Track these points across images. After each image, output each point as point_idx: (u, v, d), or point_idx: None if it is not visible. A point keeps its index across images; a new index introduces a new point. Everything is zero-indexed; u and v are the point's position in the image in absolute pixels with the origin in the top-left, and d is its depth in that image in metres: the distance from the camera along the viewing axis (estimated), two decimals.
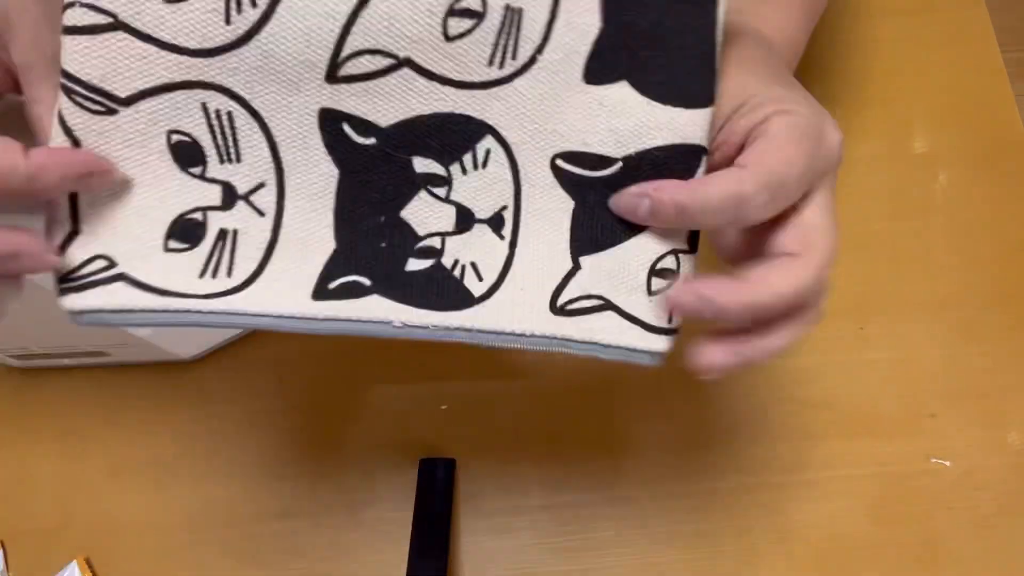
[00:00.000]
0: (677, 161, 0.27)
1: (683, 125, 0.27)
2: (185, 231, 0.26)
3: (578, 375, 0.51)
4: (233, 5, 0.25)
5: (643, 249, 0.27)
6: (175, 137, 0.26)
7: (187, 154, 0.26)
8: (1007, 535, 0.47)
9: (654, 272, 0.28)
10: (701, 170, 0.27)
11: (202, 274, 0.26)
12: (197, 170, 0.26)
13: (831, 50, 0.57)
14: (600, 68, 0.27)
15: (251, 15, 0.25)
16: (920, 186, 0.54)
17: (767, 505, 0.48)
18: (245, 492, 0.49)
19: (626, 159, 0.27)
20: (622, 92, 0.27)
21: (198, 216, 0.26)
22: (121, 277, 0.26)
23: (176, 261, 0.26)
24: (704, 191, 0.25)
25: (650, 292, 0.28)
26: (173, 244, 0.26)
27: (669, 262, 0.28)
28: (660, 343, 0.28)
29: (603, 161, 0.27)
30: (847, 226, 0.54)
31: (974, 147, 0.54)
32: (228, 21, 0.25)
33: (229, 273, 0.27)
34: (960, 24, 0.57)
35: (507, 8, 0.26)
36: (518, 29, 0.26)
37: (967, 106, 0.55)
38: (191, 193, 0.26)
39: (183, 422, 0.51)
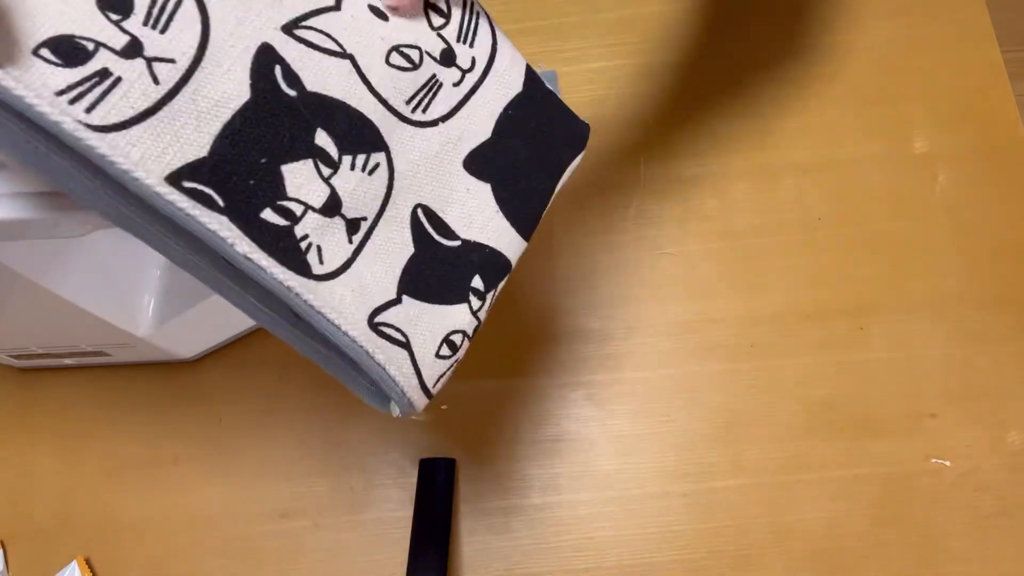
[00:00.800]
0: (491, 266, 0.33)
1: (508, 242, 0.34)
2: (66, 49, 0.23)
3: (578, 374, 0.51)
4: None
5: (449, 318, 0.32)
6: None
7: (112, 2, 0.24)
8: (1007, 535, 0.47)
9: (447, 340, 0.32)
10: (502, 284, 0.34)
11: (62, 92, 0.23)
12: (115, 16, 0.24)
13: (831, 50, 0.57)
14: (476, 165, 0.33)
15: None
16: (920, 186, 0.54)
17: (767, 505, 0.48)
18: (245, 492, 0.49)
19: (464, 241, 0.33)
20: (484, 191, 0.33)
21: (89, 45, 0.24)
22: None
23: (40, 67, 0.23)
24: None
25: (437, 354, 0.32)
26: (45, 53, 0.23)
27: (459, 339, 0.33)
28: (420, 401, 0.31)
29: (450, 233, 0.32)
30: (847, 226, 0.55)
31: (974, 147, 0.54)
32: None
33: (90, 109, 0.24)
34: (960, 24, 0.57)
35: (433, 76, 0.31)
36: (435, 94, 0.31)
37: (967, 106, 0.55)
38: (95, 26, 0.24)
39: (183, 422, 0.51)
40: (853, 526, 0.47)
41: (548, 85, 0.36)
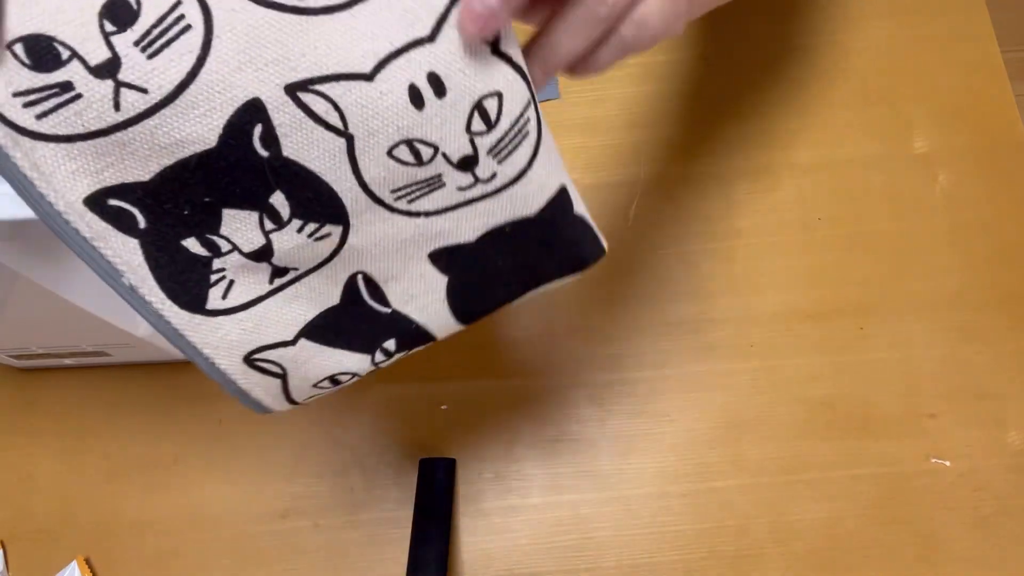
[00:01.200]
0: (412, 336, 0.32)
1: (441, 325, 0.32)
2: (40, 52, 0.23)
3: (578, 374, 0.51)
4: None
5: (346, 362, 0.32)
6: None
7: (116, 11, 0.23)
8: (1007, 535, 0.47)
9: (332, 377, 0.32)
10: (417, 349, 0.33)
11: (18, 94, 0.23)
12: (110, 28, 0.23)
13: (831, 50, 0.57)
14: (443, 260, 0.31)
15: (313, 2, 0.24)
16: (920, 186, 0.54)
17: (767, 505, 0.48)
18: (245, 492, 0.49)
19: (394, 312, 0.31)
20: (439, 281, 0.31)
21: (64, 53, 0.23)
22: None
23: (7, 61, 0.23)
24: None
25: (315, 385, 0.32)
26: (18, 49, 0.23)
27: (346, 378, 0.32)
28: (281, 408, 0.32)
29: (384, 301, 0.31)
30: (847, 226, 0.55)
31: (974, 147, 0.54)
32: None
33: (42, 116, 0.24)
34: (960, 24, 0.57)
35: (437, 176, 0.28)
36: (430, 191, 0.29)
37: (967, 106, 0.55)
38: (82, 32, 0.23)
39: (183, 422, 0.51)
40: (853, 526, 0.47)
41: (550, 102, 0.34)
